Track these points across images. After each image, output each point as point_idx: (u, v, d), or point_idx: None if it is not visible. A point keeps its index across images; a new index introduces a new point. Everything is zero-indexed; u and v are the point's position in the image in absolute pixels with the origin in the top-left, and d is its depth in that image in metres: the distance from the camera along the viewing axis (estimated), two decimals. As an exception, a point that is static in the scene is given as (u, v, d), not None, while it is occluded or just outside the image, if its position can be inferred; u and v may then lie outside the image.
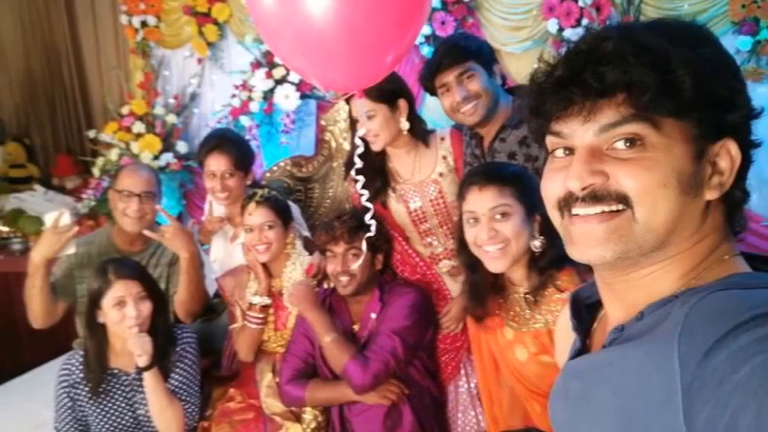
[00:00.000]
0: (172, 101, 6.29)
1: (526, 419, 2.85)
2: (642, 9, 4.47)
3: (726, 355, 0.95)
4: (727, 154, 1.15)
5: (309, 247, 3.83)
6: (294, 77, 5.36)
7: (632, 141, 1.13)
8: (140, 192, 3.75)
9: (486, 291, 2.84)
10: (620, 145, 1.14)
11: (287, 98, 5.38)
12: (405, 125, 3.41)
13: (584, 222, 1.19)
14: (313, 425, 3.46)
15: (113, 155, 6.09)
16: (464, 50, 3.22)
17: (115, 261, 3.40)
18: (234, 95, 5.62)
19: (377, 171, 3.55)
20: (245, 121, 5.56)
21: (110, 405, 3.32)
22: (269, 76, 5.43)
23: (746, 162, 1.18)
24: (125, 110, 6.24)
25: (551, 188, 1.25)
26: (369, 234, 2.61)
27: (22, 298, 3.67)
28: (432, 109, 4.57)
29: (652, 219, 1.13)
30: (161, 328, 3.34)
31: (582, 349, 1.40)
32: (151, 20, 6.24)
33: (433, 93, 3.35)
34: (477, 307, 2.88)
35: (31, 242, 5.80)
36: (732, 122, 1.14)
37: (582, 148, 1.18)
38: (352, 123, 3.62)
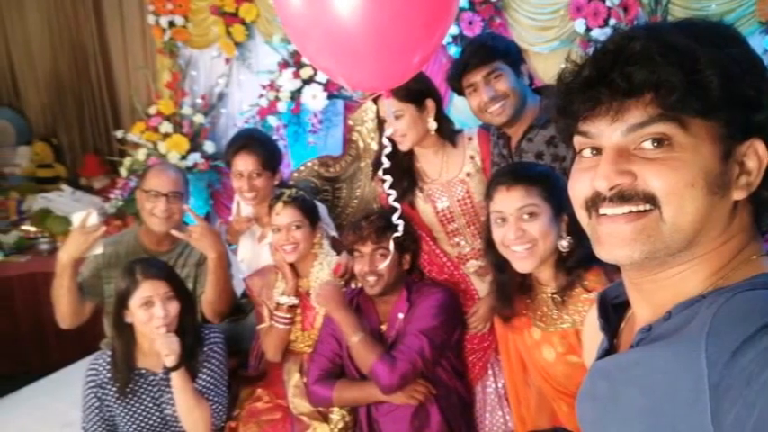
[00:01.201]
0: (199, 101, 6.30)
1: (553, 419, 2.84)
2: (670, 9, 4.44)
3: (753, 355, 0.95)
4: (754, 154, 1.15)
5: (337, 247, 3.84)
6: (321, 77, 5.36)
7: (660, 141, 1.13)
8: (168, 192, 3.75)
9: (513, 291, 2.84)
10: (648, 145, 1.14)
11: (314, 98, 5.38)
12: (432, 125, 3.41)
13: (612, 222, 1.19)
14: (340, 425, 3.47)
15: (141, 155, 6.12)
16: (491, 50, 3.22)
17: (143, 261, 3.42)
18: (261, 95, 5.63)
19: (404, 171, 3.55)
20: (272, 121, 5.58)
21: (137, 405, 3.34)
22: (296, 76, 5.43)
23: (774, 162, 1.17)
24: (152, 110, 6.27)
25: (579, 188, 1.25)
26: (396, 234, 2.61)
27: (50, 298, 3.68)
28: (459, 109, 4.56)
29: (679, 219, 1.13)
30: (188, 328, 3.35)
31: (609, 349, 1.40)
32: (178, 20, 6.23)
33: (461, 93, 3.35)
34: (505, 307, 2.88)
35: (59, 242, 5.81)
36: (760, 122, 1.14)
37: (609, 148, 1.18)
38: (380, 123, 3.64)
